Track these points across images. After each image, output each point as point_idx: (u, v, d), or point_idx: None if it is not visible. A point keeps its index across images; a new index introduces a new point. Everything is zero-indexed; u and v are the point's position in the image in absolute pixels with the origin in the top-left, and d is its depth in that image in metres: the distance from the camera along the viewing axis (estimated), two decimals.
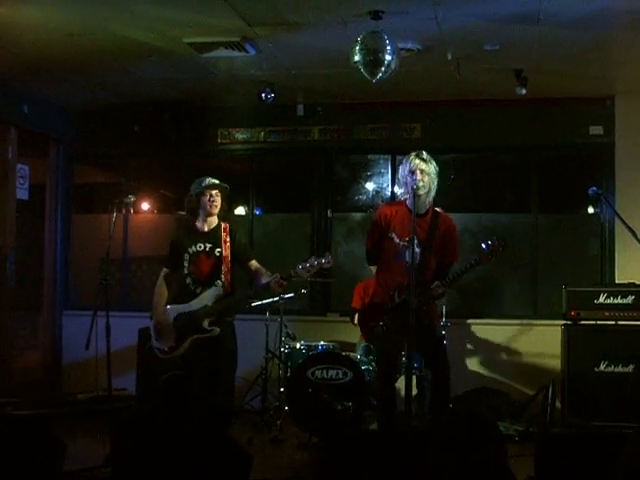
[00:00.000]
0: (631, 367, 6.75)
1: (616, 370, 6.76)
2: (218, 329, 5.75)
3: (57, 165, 8.82)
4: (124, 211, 8.33)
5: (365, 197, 8.83)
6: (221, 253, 5.84)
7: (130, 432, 4.23)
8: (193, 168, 9.17)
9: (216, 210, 5.90)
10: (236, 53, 6.66)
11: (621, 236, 7.46)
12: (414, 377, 6.46)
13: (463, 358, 7.97)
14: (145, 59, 6.96)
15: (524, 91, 7.12)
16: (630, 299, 6.90)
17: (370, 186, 8.81)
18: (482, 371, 8.02)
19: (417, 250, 5.36)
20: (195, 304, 5.77)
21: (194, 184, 5.93)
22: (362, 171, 8.87)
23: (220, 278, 5.81)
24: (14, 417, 6.34)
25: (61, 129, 8.76)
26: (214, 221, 5.94)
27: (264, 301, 7.39)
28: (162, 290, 5.98)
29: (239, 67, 7.16)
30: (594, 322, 6.96)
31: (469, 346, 8.04)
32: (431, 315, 5.59)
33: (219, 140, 8.75)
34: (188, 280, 5.82)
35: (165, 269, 6.03)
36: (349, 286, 7.98)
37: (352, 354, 7.13)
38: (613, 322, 6.92)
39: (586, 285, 7.21)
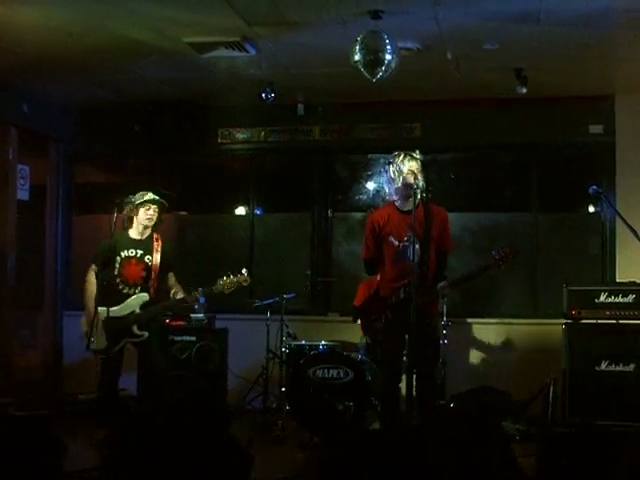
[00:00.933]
0: (632, 366, 6.74)
1: (617, 369, 6.75)
2: (147, 333, 6.28)
3: (57, 165, 8.82)
4: (124, 211, 8.33)
5: (365, 197, 8.82)
6: (151, 261, 6.34)
7: (130, 432, 4.23)
8: (194, 168, 9.19)
9: (151, 224, 6.40)
10: (236, 53, 6.66)
11: (622, 235, 7.45)
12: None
13: (464, 357, 7.97)
14: (145, 58, 6.96)
15: (524, 90, 7.12)
16: (631, 298, 6.89)
17: (370, 185, 8.80)
18: (483, 370, 8.01)
19: (417, 247, 5.36)
20: (123, 309, 6.27)
21: (137, 194, 6.38)
22: (362, 170, 8.86)
23: (148, 284, 6.32)
24: (15, 417, 6.34)
25: (61, 129, 8.76)
26: (147, 231, 6.43)
27: (265, 301, 7.40)
28: (92, 290, 6.33)
29: (239, 67, 7.16)
30: (595, 321, 6.94)
31: (470, 345, 8.03)
32: (432, 313, 5.59)
33: (219, 140, 8.75)
34: (117, 281, 6.33)
35: (94, 266, 6.40)
36: (350, 286, 7.98)
37: (353, 354, 7.13)
38: (614, 321, 6.90)
39: (587, 284, 7.19)
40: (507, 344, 7.99)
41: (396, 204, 5.59)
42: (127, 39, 6.41)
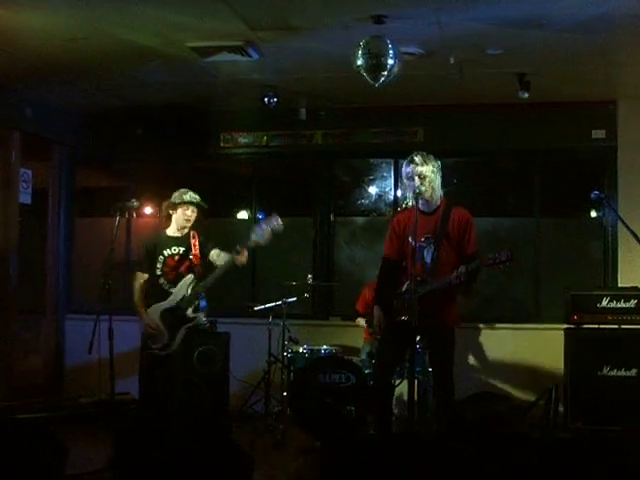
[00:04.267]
0: (634, 371, 6.74)
1: (619, 374, 6.75)
2: (200, 314, 6.30)
3: (60, 169, 8.84)
4: (127, 215, 8.34)
5: (368, 201, 8.83)
6: (192, 256, 6.30)
7: (132, 436, 4.24)
8: (196, 172, 9.19)
9: (189, 224, 6.36)
10: (239, 57, 6.67)
11: (624, 240, 7.45)
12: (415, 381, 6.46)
13: (466, 362, 7.96)
14: (148, 63, 6.97)
15: (527, 95, 7.13)
16: (633, 303, 6.89)
17: (373, 190, 8.82)
18: (485, 375, 8.00)
19: (432, 248, 5.38)
20: (175, 296, 6.24)
21: (177, 193, 6.34)
22: (365, 175, 8.87)
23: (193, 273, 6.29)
24: (16, 420, 6.34)
25: (64, 133, 8.77)
26: (185, 230, 6.40)
27: (267, 306, 7.41)
28: (141, 296, 6.35)
29: (242, 71, 7.17)
30: (597, 326, 6.95)
31: (472, 350, 8.03)
32: (445, 318, 5.54)
33: (222, 144, 8.77)
34: (162, 280, 6.29)
35: (139, 273, 6.40)
36: (352, 290, 7.98)
37: (355, 358, 7.13)
38: (616, 326, 6.91)
39: (589, 289, 7.20)
40: (509, 349, 7.98)
41: (419, 206, 5.57)
42: (130, 44, 6.42)
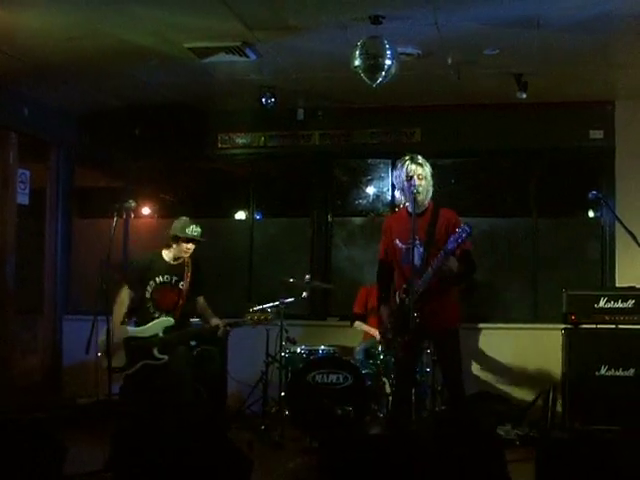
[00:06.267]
0: (631, 371, 6.74)
1: (616, 374, 6.76)
2: (167, 357, 6.22)
3: (57, 169, 8.82)
4: (124, 215, 8.32)
5: (365, 201, 8.83)
6: (183, 286, 6.34)
7: (130, 436, 4.23)
8: (193, 172, 9.19)
9: (186, 256, 6.37)
10: (236, 58, 6.67)
11: (621, 240, 7.46)
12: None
13: (464, 362, 7.92)
14: (145, 63, 6.96)
15: (524, 95, 7.14)
16: (630, 303, 6.90)
17: (370, 190, 8.81)
18: (482, 375, 8.00)
19: (421, 250, 5.37)
20: (147, 331, 6.25)
21: (179, 223, 6.36)
22: (362, 175, 8.87)
23: (176, 309, 6.31)
24: (14, 420, 6.33)
25: (61, 133, 8.76)
26: (181, 259, 6.42)
27: (264, 306, 7.39)
28: (120, 313, 6.32)
29: (239, 71, 7.17)
30: (594, 326, 6.95)
31: (469, 350, 8.01)
32: (446, 319, 5.55)
33: (219, 144, 8.76)
34: (149, 305, 6.33)
35: (127, 288, 6.38)
36: (349, 291, 7.98)
37: (352, 358, 7.12)
38: (613, 326, 6.91)
39: (586, 289, 7.20)
40: (507, 349, 7.98)
41: (408, 208, 5.59)
42: (128, 44, 6.42)
